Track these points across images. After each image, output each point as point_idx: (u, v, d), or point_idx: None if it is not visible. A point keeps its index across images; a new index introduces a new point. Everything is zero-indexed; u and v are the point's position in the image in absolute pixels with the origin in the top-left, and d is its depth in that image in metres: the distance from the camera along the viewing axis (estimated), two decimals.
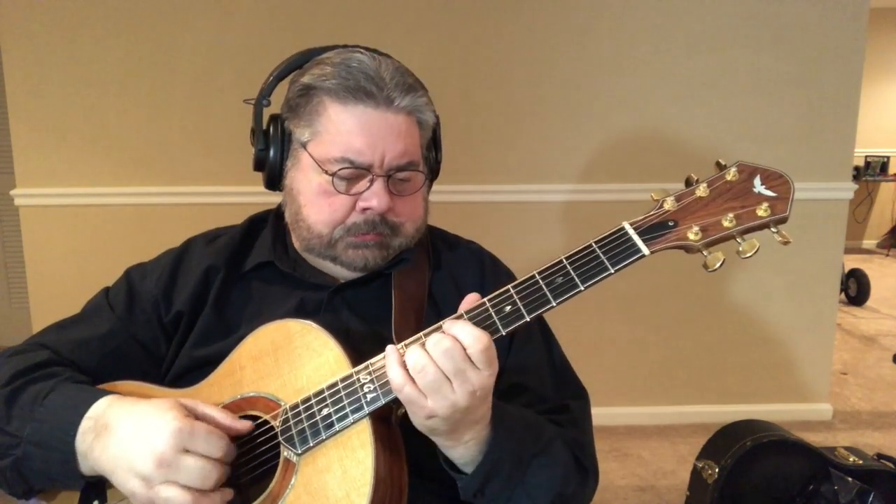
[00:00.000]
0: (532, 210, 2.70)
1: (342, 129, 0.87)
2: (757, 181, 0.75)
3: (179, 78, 2.54)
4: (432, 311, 0.94)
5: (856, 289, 4.75)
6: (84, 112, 2.53)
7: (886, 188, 6.78)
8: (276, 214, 1.02)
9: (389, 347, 0.74)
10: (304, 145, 0.90)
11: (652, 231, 0.74)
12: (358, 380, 0.76)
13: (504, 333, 0.74)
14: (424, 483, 0.82)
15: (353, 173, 0.87)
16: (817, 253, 2.75)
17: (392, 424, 0.79)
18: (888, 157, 6.48)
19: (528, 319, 0.74)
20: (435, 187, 1.02)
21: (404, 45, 2.50)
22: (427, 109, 0.92)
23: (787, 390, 2.86)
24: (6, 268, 3.65)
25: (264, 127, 0.96)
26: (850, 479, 1.82)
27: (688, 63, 2.61)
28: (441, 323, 0.74)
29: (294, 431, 0.77)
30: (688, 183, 0.77)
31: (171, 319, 0.95)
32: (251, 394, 0.82)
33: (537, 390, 0.94)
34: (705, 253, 0.74)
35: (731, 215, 0.74)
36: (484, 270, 1.01)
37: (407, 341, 0.75)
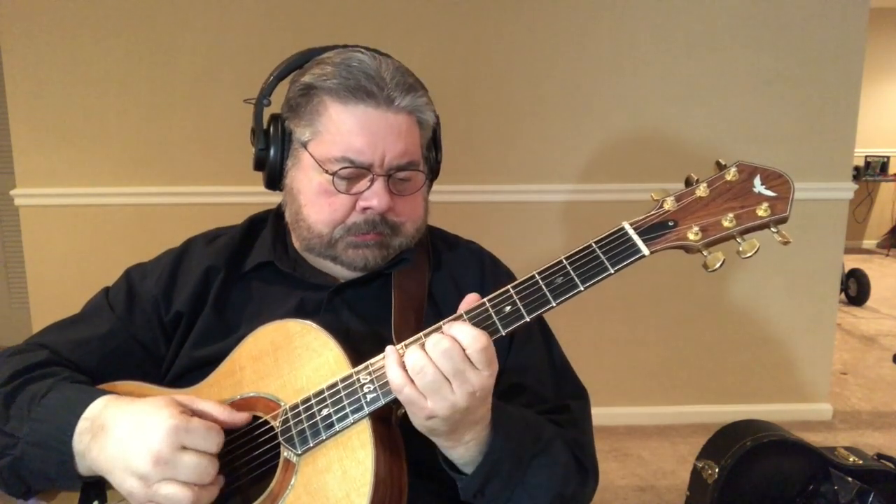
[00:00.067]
0: (532, 210, 2.70)
1: (343, 129, 0.87)
2: (757, 181, 0.75)
3: (179, 78, 2.54)
4: (432, 311, 0.94)
5: (856, 289, 4.75)
6: (84, 112, 2.53)
7: (886, 188, 6.78)
8: (276, 214, 1.02)
9: (389, 348, 0.74)
10: (304, 145, 0.90)
11: (652, 231, 0.74)
12: (358, 380, 0.76)
13: (504, 334, 0.74)
14: (424, 483, 0.82)
15: (354, 173, 0.88)
16: (817, 253, 2.75)
17: (392, 425, 0.79)
18: (888, 157, 6.48)
19: (527, 320, 0.73)
20: (435, 187, 1.02)
21: (404, 45, 2.50)
22: (427, 109, 0.92)
23: (787, 390, 2.86)
24: (6, 268, 3.65)
25: (265, 127, 0.96)
26: (850, 479, 1.82)
27: (688, 63, 2.61)
28: (441, 323, 0.74)
29: (294, 432, 0.77)
30: (688, 183, 0.77)
31: (170, 319, 0.95)
32: (251, 394, 0.82)
33: (537, 390, 0.94)
34: (705, 253, 0.74)
35: (731, 215, 0.74)
36: (484, 270, 1.01)
37: (406, 341, 0.75)
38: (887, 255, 6.62)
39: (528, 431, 0.81)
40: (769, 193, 0.74)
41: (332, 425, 0.75)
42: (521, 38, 2.58)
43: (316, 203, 0.90)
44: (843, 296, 4.73)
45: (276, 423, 0.78)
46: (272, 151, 0.93)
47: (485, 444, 0.76)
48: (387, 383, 0.73)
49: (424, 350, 0.70)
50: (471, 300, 0.76)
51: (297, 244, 0.98)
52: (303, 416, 0.77)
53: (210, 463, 0.73)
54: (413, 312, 0.91)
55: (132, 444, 0.73)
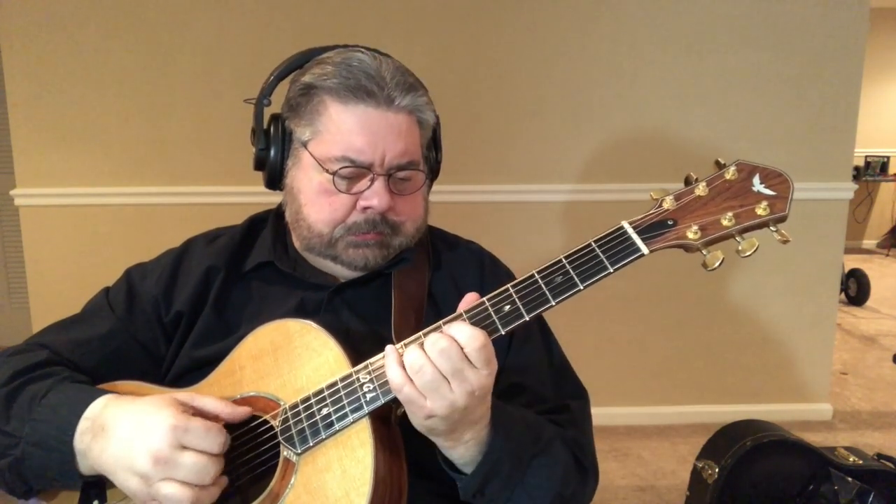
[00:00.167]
0: (532, 210, 2.70)
1: (343, 129, 0.87)
2: (756, 180, 0.75)
3: (179, 78, 2.54)
4: (432, 310, 0.94)
5: (856, 289, 4.75)
6: (84, 112, 2.53)
7: (886, 188, 6.78)
8: (277, 214, 1.02)
9: (389, 347, 0.74)
10: (304, 144, 0.90)
11: (651, 230, 0.74)
12: (357, 379, 0.76)
13: (503, 333, 0.74)
14: (424, 482, 0.82)
15: (354, 172, 0.88)
16: (817, 253, 2.75)
17: (392, 424, 0.79)
18: (888, 157, 6.48)
19: (527, 319, 0.74)
20: (435, 187, 1.02)
21: (404, 45, 2.51)
22: (427, 109, 0.93)
23: (787, 390, 2.86)
24: (6, 268, 3.65)
25: (265, 126, 0.96)
26: (850, 479, 1.82)
27: (688, 63, 2.61)
28: (440, 323, 0.74)
29: (294, 431, 0.77)
30: (687, 182, 0.77)
31: (171, 319, 0.95)
32: (251, 393, 0.82)
33: (537, 390, 0.94)
34: (704, 252, 0.74)
35: (730, 214, 0.74)
36: (484, 270, 1.01)
37: (406, 341, 0.75)
38: (887, 255, 6.62)
39: (528, 431, 0.81)
40: (768, 192, 0.74)
41: (331, 424, 0.75)
42: (521, 38, 2.58)
43: (316, 202, 0.90)
44: (843, 296, 4.73)
45: (275, 423, 0.78)
46: (272, 151, 0.94)
47: (484, 444, 0.76)
48: (386, 382, 0.73)
49: (423, 349, 0.70)
50: (470, 299, 0.76)
51: (297, 244, 0.98)
52: (302, 415, 0.77)
53: (210, 463, 0.72)
54: (413, 312, 0.91)
55: (133, 443, 0.73)
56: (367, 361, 0.77)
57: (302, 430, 0.76)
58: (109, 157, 2.57)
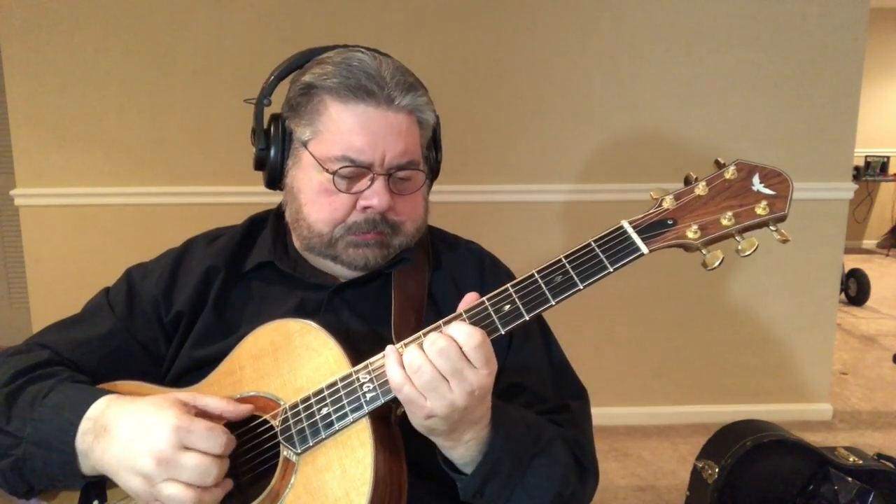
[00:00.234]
0: (532, 210, 2.70)
1: (343, 128, 0.87)
2: (756, 179, 0.75)
3: (179, 78, 2.54)
4: (432, 310, 0.94)
5: (856, 289, 4.75)
6: (84, 112, 2.53)
7: (886, 188, 6.78)
8: (277, 214, 1.02)
9: (389, 348, 0.74)
10: (304, 144, 0.90)
11: (651, 230, 0.74)
12: (357, 379, 0.76)
13: (503, 332, 0.74)
14: (424, 482, 0.82)
15: (354, 172, 0.88)
16: (817, 253, 2.75)
17: (391, 424, 0.79)
18: (888, 157, 6.48)
19: (527, 318, 0.74)
20: (435, 187, 1.02)
21: (404, 45, 2.51)
22: (427, 109, 0.93)
23: (787, 390, 2.86)
24: (6, 268, 3.65)
25: (265, 126, 0.96)
26: (850, 479, 1.82)
27: (688, 63, 2.61)
28: (440, 322, 0.74)
29: (294, 431, 0.77)
30: (686, 181, 0.77)
31: (171, 319, 0.95)
32: (251, 393, 0.82)
33: (537, 390, 0.94)
34: (704, 251, 0.74)
35: (729, 214, 0.74)
36: (483, 270, 1.01)
37: (406, 341, 0.75)
38: (887, 255, 6.61)
39: (528, 431, 0.81)
40: (768, 192, 0.74)
41: (331, 424, 0.75)
42: (522, 38, 2.58)
43: (316, 202, 0.90)
44: (843, 296, 4.73)
45: (275, 423, 0.78)
46: (272, 151, 0.94)
47: (485, 444, 0.76)
48: (386, 382, 0.73)
49: (422, 349, 0.70)
50: (470, 299, 0.76)
51: (297, 244, 0.98)
52: (302, 415, 0.77)
53: (212, 464, 0.72)
54: (413, 312, 0.91)
55: (135, 444, 0.73)
56: (367, 361, 0.77)
57: (302, 430, 0.76)
58: (109, 157, 2.57)
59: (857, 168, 6.17)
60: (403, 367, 0.71)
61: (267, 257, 0.97)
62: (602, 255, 0.74)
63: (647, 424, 2.83)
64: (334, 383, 0.77)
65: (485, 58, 2.59)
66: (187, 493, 0.71)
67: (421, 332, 0.74)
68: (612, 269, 0.73)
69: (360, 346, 0.84)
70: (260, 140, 0.95)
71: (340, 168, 0.87)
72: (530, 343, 0.98)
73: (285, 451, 0.77)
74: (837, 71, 2.63)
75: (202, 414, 0.77)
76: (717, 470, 1.89)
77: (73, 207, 2.59)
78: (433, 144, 0.99)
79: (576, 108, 2.64)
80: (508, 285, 0.75)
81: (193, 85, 2.54)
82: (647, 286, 2.71)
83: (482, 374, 0.70)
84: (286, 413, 0.78)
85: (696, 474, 1.99)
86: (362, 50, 0.91)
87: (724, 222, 0.74)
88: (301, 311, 0.91)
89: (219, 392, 0.84)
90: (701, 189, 0.75)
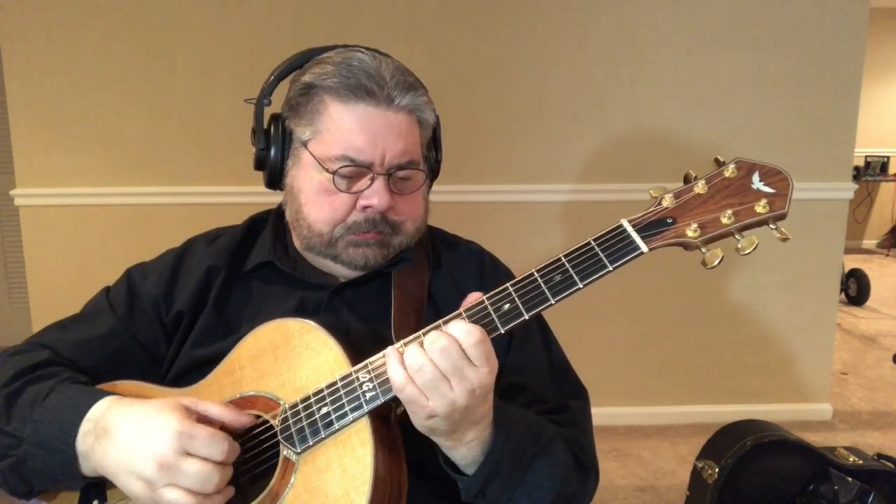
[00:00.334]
0: (532, 210, 2.70)
1: (343, 128, 0.87)
2: (755, 177, 0.75)
3: (179, 78, 2.54)
4: (432, 310, 0.94)
5: (856, 289, 4.75)
6: (84, 112, 2.53)
7: (886, 188, 6.78)
8: (277, 214, 1.02)
9: (390, 348, 0.74)
10: (304, 144, 0.90)
11: (650, 228, 0.74)
12: (357, 378, 0.76)
13: (503, 331, 0.74)
14: (424, 482, 0.82)
15: (354, 171, 0.88)
16: (817, 253, 2.75)
17: (391, 423, 0.79)
18: (888, 157, 6.48)
19: (526, 317, 0.73)
20: (435, 187, 1.02)
21: (404, 45, 2.51)
22: (427, 108, 0.93)
23: (787, 390, 2.86)
24: (6, 268, 3.65)
25: (265, 126, 0.96)
26: (850, 479, 1.82)
27: (688, 63, 2.61)
28: (439, 322, 0.74)
29: (293, 430, 0.77)
30: (686, 180, 0.77)
31: (171, 319, 0.95)
32: (250, 393, 0.82)
33: (537, 390, 0.94)
34: (704, 250, 0.74)
35: (729, 212, 0.74)
36: (483, 270, 1.01)
37: (405, 340, 0.75)
38: (887, 255, 6.61)
39: (529, 431, 0.81)
40: (768, 190, 0.74)
41: (331, 424, 0.75)
42: (522, 38, 2.58)
43: (316, 202, 0.90)
44: (843, 296, 4.73)
45: (275, 422, 0.78)
46: (273, 151, 0.94)
47: (487, 444, 0.75)
48: (386, 381, 0.73)
49: (422, 348, 0.70)
50: (473, 298, 0.76)
51: (297, 243, 0.98)
52: (302, 414, 0.77)
53: (213, 471, 0.72)
54: (413, 312, 0.91)
55: (136, 447, 0.73)
56: (367, 361, 0.77)
57: (301, 430, 0.76)
58: (109, 157, 2.57)
59: (857, 168, 6.17)
60: (405, 367, 0.71)
61: (267, 257, 0.97)
62: (602, 254, 0.73)
63: (647, 424, 2.83)
64: (334, 383, 0.77)
65: (485, 58, 2.59)
66: (188, 500, 0.71)
67: (420, 332, 0.74)
68: (611, 268, 0.73)
69: (360, 345, 0.84)
70: (260, 140, 0.95)
71: (340, 168, 0.87)
72: (530, 343, 0.98)
73: (285, 451, 0.77)
74: (837, 71, 2.63)
75: (203, 419, 0.76)
76: (717, 470, 1.89)
77: (73, 207, 2.59)
78: (433, 144, 0.99)
79: (576, 108, 2.64)
80: (508, 284, 0.75)
81: (193, 85, 2.54)
82: (647, 286, 2.72)
83: (482, 372, 0.70)
84: (286, 413, 0.78)
85: (696, 474, 1.99)
86: (362, 50, 0.91)
87: (724, 221, 0.73)
88: (301, 311, 0.91)
89: (219, 391, 0.84)
90: (700, 187, 0.75)
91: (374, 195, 0.88)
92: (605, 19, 2.58)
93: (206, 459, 0.72)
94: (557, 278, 0.74)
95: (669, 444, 2.68)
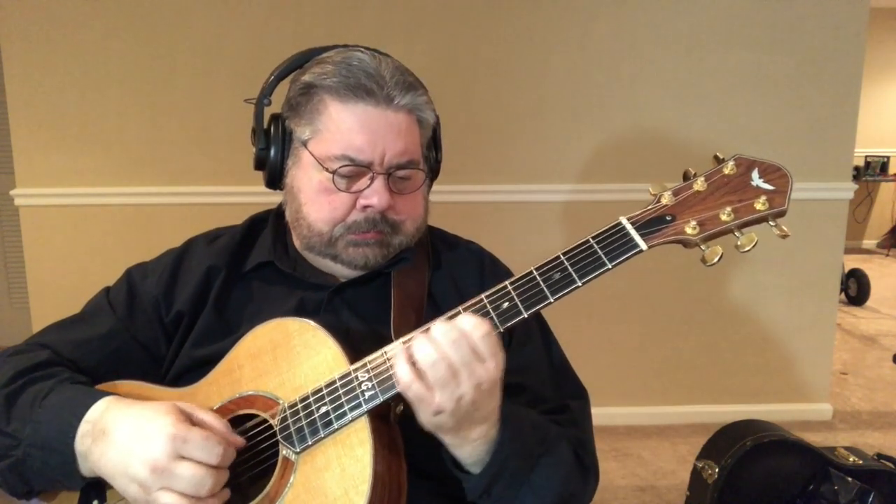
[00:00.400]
0: (532, 210, 2.70)
1: (343, 127, 0.87)
2: (755, 174, 0.75)
3: (179, 78, 2.54)
4: (432, 310, 0.93)
5: (856, 289, 4.75)
6: (84, 112, 2.53)
7: (886, 188, 6.78)
8: (277, 214, 1.02)
9: (396, 343, 0.74)
10: (304, 143, 0.90)
11: (649, 226, 0.74)
12: (356, 378, 0.76)
13: (502, 330, 0.74)
14: (423, 481, 0.82)
15: (354, 171, 0.88)
16: (817, 253, 2.75)
17: (391, 422, 0.79)
18: (888, 157, 6.48)
19: (525, 316, 0.73)
20: (435, 187, 1.02)
21: (404, 45, 2.51)
22: (427, 108, 0.93)
23: (787, 390, 2.86)
24: (6, 268, 3.65)
25: (265, 126, 0.96)
26: (850, 479, 1.82)
27: (687, 63, 2.61)
28: (437, 320, 0.74)
29: (293, 430, 0.77)
30: (685, 177, 0.77)
31: (171, 319, 0.95)
32: (250, 392, 0.82)
33: (537, 390, 0.93)
34: (703, 247, 0.74)
35: (729, 209, 0.73)
36: (483, 270, 1.01)
37: (404, 338, 0.75)
38: (887, 255, 6.61)
39: (535, 431, 0.81)
40: (767, 187, 0.74)
41: (330, 423, 0.75)
42: (522, 38, 2.58)
43: (316, 201, 0.90)
44: (843, 296, 4.73)
45: (274, 422, 0.78)
46: (272, 151, 0.94)
47: (493, 444, 0.75)
48: (385, 381, 0.73)
49: (433, 342, 0.70)
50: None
51: (297, 243, 0.98)
52: (301, 414, 0.77)
53: (207, 475, 0.71)
54: (413, 312, 0.91)
55: (132, 450, 0.72)
56: (366, 359, 0.77)
57: (301, 429, 0.76)
58: (109, 157, 2.57)
59: (857, 168, 6.16)
60: (412, 365, 0.70)
61: (267, 257, 0.96)
62: (601, 252, 0.73)
63: (647, 424, 2.83)
64: (333, 382, 0.77)
65: (485, 58, 2.59)
66: (182, 503, 0.71)
67: (418, 330, 0.74)
68: (610, 266, 0.73)
69: (359, 345, 0.83)
70: (260, 140, 0.95)
71: (340, 167, 0.87)
72: (530, 343, 0.98)
73: (284, 451, 0.77)
74: (837, 71, 2.63)
75: (199, 422, 0.76)
76: (717, 470, 1.89)
77: (73, 207, 2.59)
78: (433, 144, 0.99)
79: (576, 108, 2.64)
80: (507, 282, 0.75)
81: (193, 85, 2.54)
82: (647, 286, 2.71)
83: (490, 366, 0.70)
84: (285, 412, 0.78)
85: (696, 474, 1.99)
86: (362, 49, 0.91)
87: (724, 218, 0.73)
88: (301, 311, 0.91)
89: (218, 391, 0.84)
90: (700, 184, 0.75)
91: (374, 194, 0.88)
92: (605, 19, 2.58)
93: (200, 463, 0.72)
94: (556, 276, 0.74)
95: (669, 444, 2.68)
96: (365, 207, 0.89)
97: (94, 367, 0.91)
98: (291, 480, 0.75)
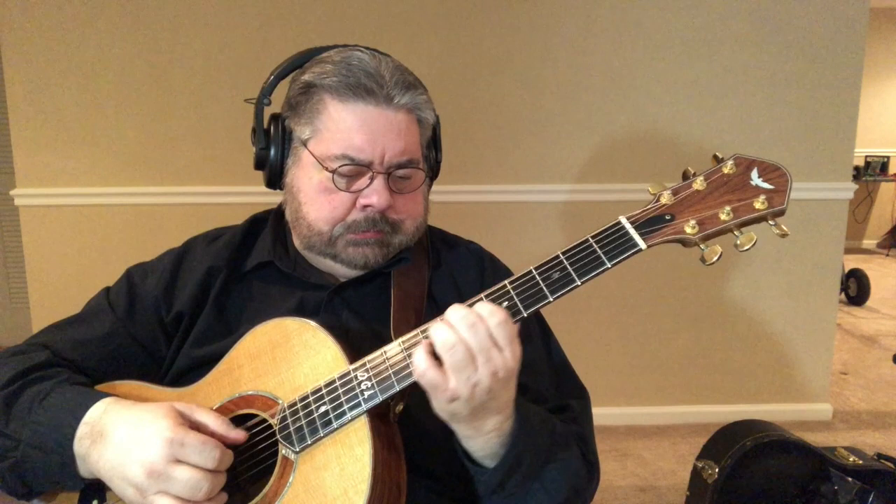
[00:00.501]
0: (532, 210, 2.70)
1: (342, 127, 0.87)
2: (754, 174, 0.75)
3: (179, 77, 2.54)
4: (431, 310, 0.93)
5: (856, 289, 4.75)
6: (84, 112, 2.54)
7: (886, 188, 6.78)
8: (277, 214, 1.02)
9: (395, 344, 0.74)
10: (304, 143, 0.90)
11: (649, 225, 0.74)
12: (355, 377, 0.76)
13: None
14: (423, 480, 0.82)
15: (354, 170, 0.88)
16: (817, 253, 2.75)
17: (390, 421, 0.79)
18: (888, 157, 6.49)
19: (525, 315, 0.73)
20: (435, 187, 1.02)
21: (404, 45, 2.51)
22: (427, 108, 0.93)
23: (787, 390, 2.86)
24: (6, 268, 3.65)
25: (265, 126, 0.96)
26: (850, 479, 1.82)
27: (687, 63, 2.61)
28: (437, 319, 0.74)
29: (292, 429, 0.77)
30: (685, 176, 0.77)
31: (171, 319, 0.95)
32: (249, 392, 0.82)
33: (538, 390, 0.93)
34: (702, 246, 0.74)
35: (728, 208, 0.73)
36: (483, 270, 1.01)
37: (404, 338, 0.75)
38: (887, 255, 6.61)
39: (543, 426, 0.81)
40: (766, 186, 0.74)
41: (329, 423, 0.75)
42: (521, 38, 2.58)
43: (316, 201, 0.90)
44: (843, 296, 4.73)
45: (274, 422, 0.78)
46: (273, 150, 0.94)
47: (507, 437, 0.75)
48: (384, 380, 0.73)
49: (451, 325, 0.70)
50: None
51: (297, 243, 0.98)
52: (300, 413, 0.77)
53: (203, 479, 0.71)
54: (413, 311, 0.91)
55: (129, 453, 0.72)
56: (365, 359, 0.76)
57: (300, 429, 0.76)
58: (110, 158, 2.57)
59: (857, 168, 6.17)
60: (430, 354, 0.70)
61: (267, 257, 0.96)
62: (600, 251, 0.73)
63: (647, 424, 2.83)
64: (332, 381, 0.77)
65: (485, 58, 2.59)
66: None
67: (418, 330, 0.74)
68: (609, 265, 0.73)
69: (359, 345, 0.83)
70: (260, 140, 0.95)
71: (340, 166, 0.87)
72: (531, 343, 0.97)
73: (284, 450, 0.77)
74: (837, 71, 2.63)
75: (196, 428, 0.76)
76: (717, 470, 1.89)
77: (73, 207, 2.59)
78: (433, 144, 0.99)
79: (576, 108, 2.64)
80: (506, 282, 0.75)
81: (193, 85, 2.54)
82: (647, 286, 2.71)
83: (506, 354, 0.70)
84: (284, 412, 0.78)
85: (696, 474, 1.99)
86: (362, 49, 0.91)
87: (723, 217, 0.73)
88: (301, 311, 0.91)
89: (217, 391, 0.84)
90: (699, 184, 0.75)
91: (374, 194, 0.88)
92: (605, 19, 2.58)
93: (197, 467, 0.72)
94: (556, 276, 0.74)
95: (669, 444, 2.68)
96: (365, 207, 0.89)
97: (93, 368, 0.91)
98: (291, 480, 0.75)
